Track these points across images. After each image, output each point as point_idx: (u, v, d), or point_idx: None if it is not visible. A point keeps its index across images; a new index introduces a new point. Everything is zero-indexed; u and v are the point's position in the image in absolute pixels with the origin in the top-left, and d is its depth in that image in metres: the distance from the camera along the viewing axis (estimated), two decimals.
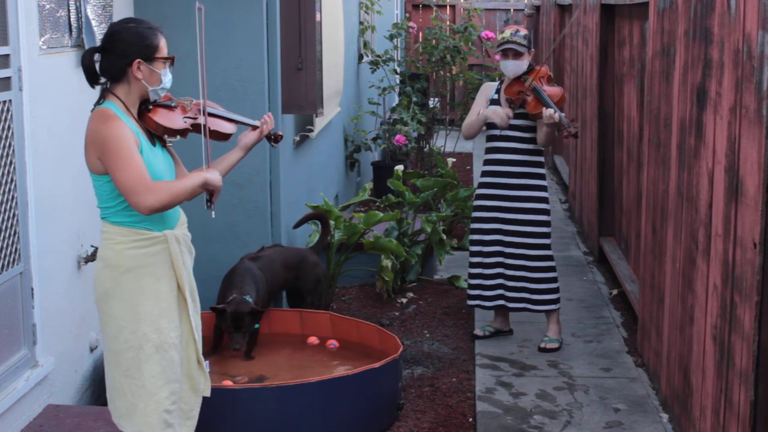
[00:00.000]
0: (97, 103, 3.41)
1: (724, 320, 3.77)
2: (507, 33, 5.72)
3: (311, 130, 6.87)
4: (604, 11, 7.69)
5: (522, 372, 5.43)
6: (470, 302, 5.96)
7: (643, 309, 5.55)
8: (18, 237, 4.07)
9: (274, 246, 5.71)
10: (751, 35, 3.47)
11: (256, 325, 5.09)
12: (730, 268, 3.69)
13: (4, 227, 3.96)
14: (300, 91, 6.10)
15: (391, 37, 11.17)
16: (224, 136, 3.66)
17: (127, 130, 3.31)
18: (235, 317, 4.95)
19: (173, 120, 3.50)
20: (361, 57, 10.46)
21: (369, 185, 7.61)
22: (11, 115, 3.99)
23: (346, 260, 6.60)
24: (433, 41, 11.03)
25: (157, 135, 3.50)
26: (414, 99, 10.62)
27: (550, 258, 5.81)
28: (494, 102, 5.79)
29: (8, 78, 3.98)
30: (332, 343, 5.39)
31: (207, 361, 3.70)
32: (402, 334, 6.07)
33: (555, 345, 5.76)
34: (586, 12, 8.65)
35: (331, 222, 6.35)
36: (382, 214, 6.66)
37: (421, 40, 12.17)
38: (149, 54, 3.38)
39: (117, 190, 3.32)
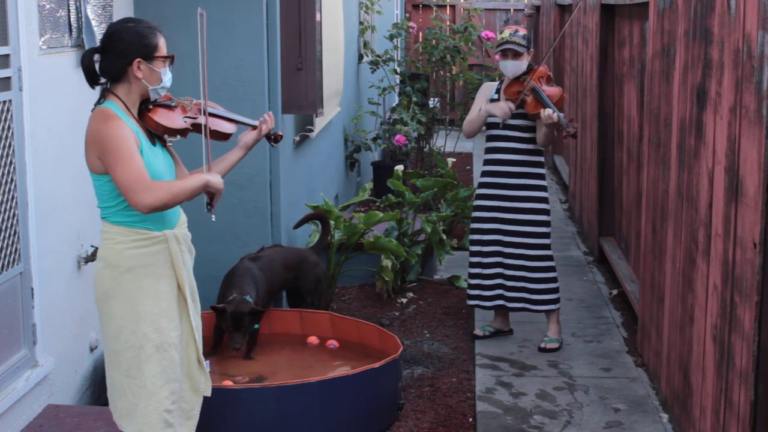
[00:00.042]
0: (98, 102, 3.41)
1: (724, 320, 3.77)
2: (506, 33, 5.72)
3: (311, 130, 6.87)
4: (604, 11, 7.69)
5: (522, 372, 5.43)
6: (470, 302, 5.97)
7: (643, 309, 5.55)
8: (18, 237, 4.07)
9: (274, 246, 5.71)
10: (751, 35, 3.47)
11: (256, 326, 5.09)
12: (730, 268, 3.69)
13: (4, 227, 3.96)
14: (300, 91, 6.10)
15: (391, 37, 11.17)
16: (224, 136, 3.66)
17: (128, 130, 3.31)
18: (235, 317, 4.95)
19: (173, 120, 3.50)
20: (361, 57, 10.46)
21: (369, 185, 7.61)
22: (11, 115, 3.99)
23: (346, 260, 6.60)
24: (433, 41, 11.03)
25: (157, 135, 3.50)
26: (414, 99, 10.62)
27: (549, 258, 5.81)
28: (494, 102, 5.79)
29: (8, 78, 3.98)
30: (332, 343, 5.39)
31: (208, 361, 3.70)
32: (402, 334, 6.07)
33: (555, 345, 5.76)
34: (586, 12, 8.65)
35: (331, 222, 6.35)
36: (382, 214, 6.66)
37: (421, 40, 12.17)
38: (149, 53, 3.38)
39: (117, 190, 3.33)
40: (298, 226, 6.15)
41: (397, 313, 6.55)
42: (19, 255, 4.09)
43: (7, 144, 3.97)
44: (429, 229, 7.07)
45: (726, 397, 3.74)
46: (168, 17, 5.41)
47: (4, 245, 3.96)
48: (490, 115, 5.70)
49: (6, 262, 3.98)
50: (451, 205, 7.93)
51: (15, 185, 4.04)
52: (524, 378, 5.34)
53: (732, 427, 3.65)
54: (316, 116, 6.78)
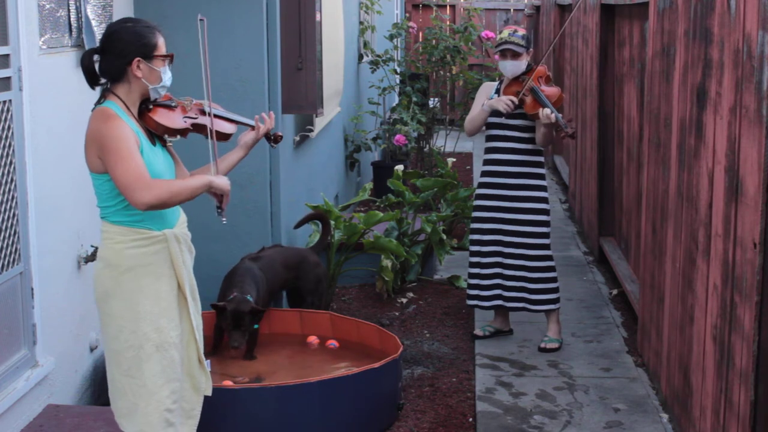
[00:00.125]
0: (98, 102, 3.41)
1: (724, 320, 3.77)
2: (505, 33, 5.72)
3: (311, 130, 6.87)
4: (604, 11, 7.69)
5: (522, 372, 5.43)
6: (469, 302, 5.97)
7: (643, 309, 5.55)
8: (18, 237, 4.07)
9: (275, 246, 5.72)
10: (751, 35, 3.47)
11: (256, 326, 5.09)
12: (730, 268, 3.69)
13: (4, 227, 3.96)
14: (300, 91, 6.10)
15: (391, 37, 11.17)
16: (225, 137, 3.67)
17: (128, 130, 3.32)
18: (235, 315, 4.95)
19: (173, 120, 3.50)
20: (361, 57, 10.46)
21: (369, 185, 7.61)
22: (11, 115, 3.99)
23: (346, 260, 6.60)
24: (433, 41, 11.03)
25: (157, 135, 3.50)
26: (414, 99, 10.62)
27: (549, 258, 5.81)
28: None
29: (8, 78, 3.98)
30: (332, 343, 5.39)
31: (208, 361, 3.70)
32: (402, 334, 6.07)
33: (555, 345, 5.76)
34: (586, 12, 8.66)
35: (331, 222, 6.35)
36: (382, 214, 6.66)
37: (421, 40, 12.17)
38: (148, 52, 3.38)
39: (116, 189, 3.33)
40: (298, 226, 6.15)
41: (397, 313, 6.55)
42: (19, 255, 4.09)
43: (7, 144, 3.97)
44: (429, 229, 7.07)
45: (726, 397, 3.74)
46: (168, 17, 5.41)
47: (4, 245, 3.96)
48: (494, 110, 5.68)
49: (6, 262, 3.98)
50: (451, 205, 7.93)
51: (15, 185, 4.04)
52: (524, 378, 5.34)
53: (732, 427, 3.65)
54: (316, 116, 6.78)
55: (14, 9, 4.00)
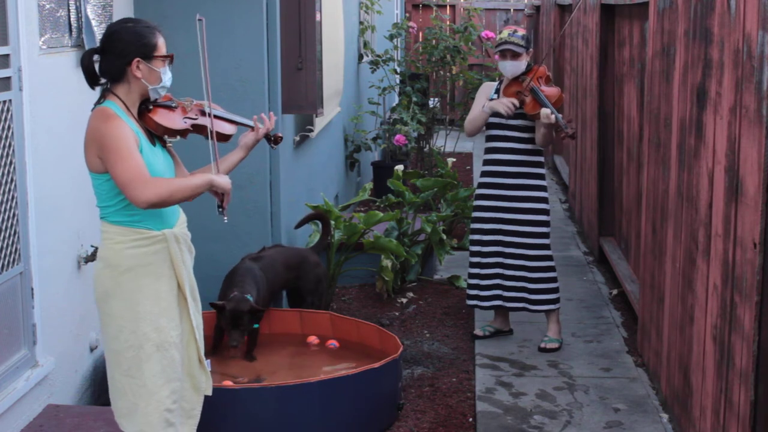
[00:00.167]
0: (98, 102, 3.41)
1: (724, 320, 3.77)
2: (505, 33, 5.72)
3: (311, 130, 6.87)
4: (604, 11, 7.69)
5: (522, 372, 5.43)
6: (469, 302, 5.97)
7: (643, 309, 5.55)
8: (18, 237, 4.07)
9: (275, 246, 5.72)
10: (751, 35, 3.47)
11: (256, 325, 5.09)
12: (730, 268, 3.69)
13: (4, 227, 3.96)
14: (300, 91, 6.10)
15: (391, 37, 11.17)
16: (225, 138, 3.67)
17: (127, 129, 3.32)
18: (235, 314, 4.95)
19: (173, 120, 3.50)
20: (361, 57, 10.46)
21: (369, 185, 7.61)
22: (11, 115, 3.99)
23: (346, 260, 6.60)
24: (433, 41, 11.03)
25: (157, 135, 3.50)
26: (414, 99, 10.62)
27: (549, 258, 5.81)
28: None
29: (8, 78, 3.98)
30: (332, 343, 5.39)
31: (209, 360, 3.70)
32: (402, 334, 6.07)
33: (555, 345, 5.76)
34: (586, 12, 8.66)
35: (331, 222, 6.35)
36: (382, 214, 6.66)
37: (421, 40, 12.17)
38: (148, 52, 3.38)
39: (116, 189, 3.33)
40: (299, 226, 6.15)
41: (397, 313, 6.55)
42: (19, 255, 4.09)
43: (7, 144, 3.97)
44: (429, 229, 7.07)
45: (726, 397, 3.74)
46: (168, 17, 5.41)
47: (4, 245, 3.96)
48: (494, 112, 5.68)
49: (6, 262, 3.98)
50: (451, 205, 7.93)
51: (15, 185, 4.04)
52: (524, 378, 5.34)
53: (732, 427, 3.65)
54: (316, 116, 6.78)
55: (14, 9, 4.00)
